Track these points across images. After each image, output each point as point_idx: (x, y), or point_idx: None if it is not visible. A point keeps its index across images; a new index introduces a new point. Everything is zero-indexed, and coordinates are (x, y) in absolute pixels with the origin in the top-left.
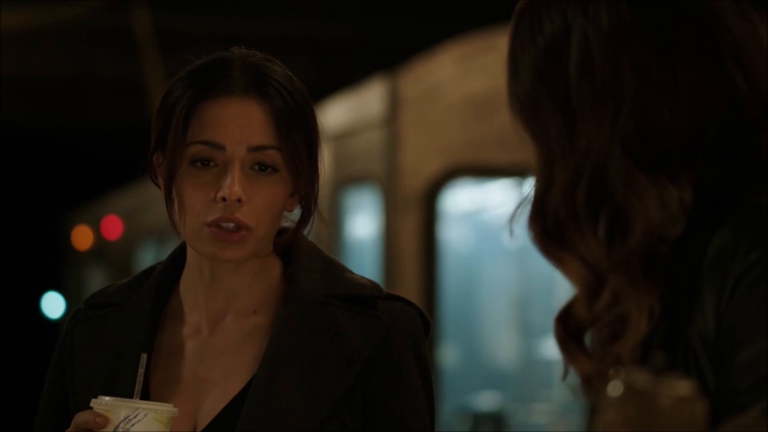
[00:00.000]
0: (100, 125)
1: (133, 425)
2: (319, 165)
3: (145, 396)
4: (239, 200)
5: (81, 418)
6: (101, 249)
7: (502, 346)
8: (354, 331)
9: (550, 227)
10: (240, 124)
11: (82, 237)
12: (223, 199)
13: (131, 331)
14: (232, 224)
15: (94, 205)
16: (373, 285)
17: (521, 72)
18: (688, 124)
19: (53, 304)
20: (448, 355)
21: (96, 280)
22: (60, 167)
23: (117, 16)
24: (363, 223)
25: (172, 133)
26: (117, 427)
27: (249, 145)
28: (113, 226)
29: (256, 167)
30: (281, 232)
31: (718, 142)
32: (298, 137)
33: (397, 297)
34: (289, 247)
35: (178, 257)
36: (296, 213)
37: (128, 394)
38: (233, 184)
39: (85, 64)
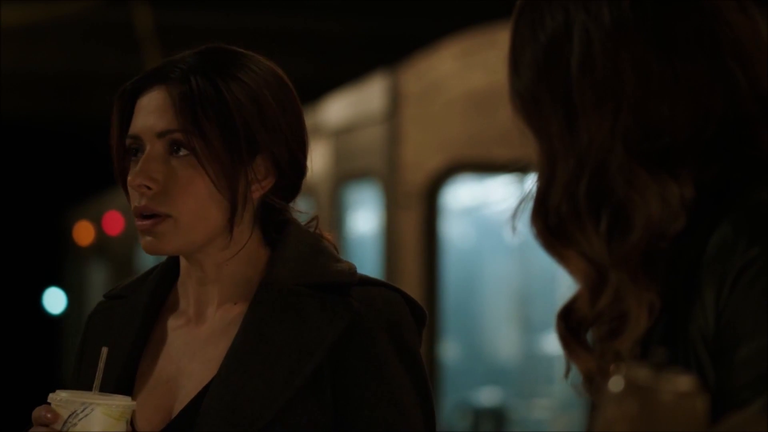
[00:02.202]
0: (102, 121)
1: (80, 420)
2: (248, 158)
3: (128, 390)
4: (148, 188)
5: (35, 413)
6: (103, 244)
7: (503, 341)
8: (320, 319)
9: (552, 223)
10: (151, 112)
11: (83, 232)
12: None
13: (128, 324)
14: (145, 212)
15: (95, 201)
16: (349, 271)
17: (522, 68)
18: (689, 120)
19: (55, 300)
20: (449, 350)
21: (97, 276)
22: (61, 163)
23: (117, 11)
24: (364, 219)
25: (111, 132)
26: (66, 421)
27: (156, 131)
28: (114, 222)
29: (173, 151)
30: (281, 222)
31: (718, 138)
32: (208, 120)
33: (377, 282)
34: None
35: None
36: (301, 205)
37: (110, 387)
38: (137, 173)
39: (86, 60)
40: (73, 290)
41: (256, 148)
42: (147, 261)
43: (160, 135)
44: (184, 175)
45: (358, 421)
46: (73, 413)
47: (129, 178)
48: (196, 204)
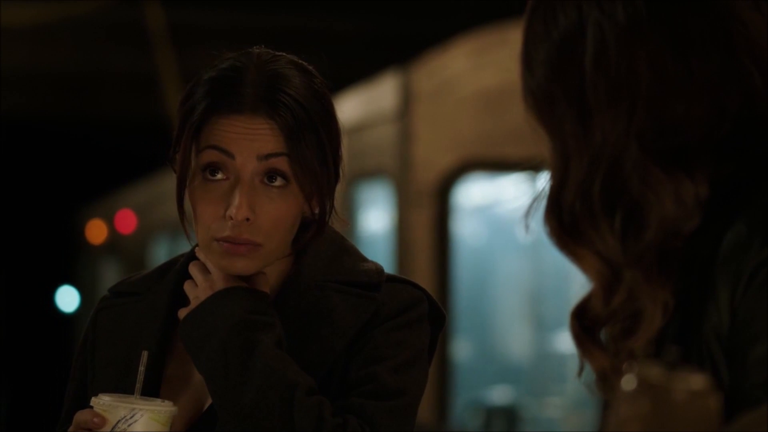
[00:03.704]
0: (114, 120)
1: (129, 425)
2: (331, 169)
3: (155, 392)
4: (246, 219)
5: (80, 417)
6: (115, 243)
7: (515, 340)
8: (344, 310)
9: (566, 222)
10: (249, 137)
11: (96, 231)
12: (231, 217)
13: (148, 324)
14: (239, 242)
15: (108, 200)
16: (377, 271)
17: (535, 66)
18: (703, 118)
19: (67, 298)
20: (461, 349)
21: (110, 274)
22: (74, 162)
23: (130, 11)
24: (376, 217)
25: (183, 141)
26: (114, 427)
27: (259, 153)
28: (127, 220)
29: (266, 180)
30: (303, 228)
31: (732, 136)
32: (308, 146)
33: (404, 280)
34: None
35: None
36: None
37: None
38: (241, 205)
39: (98, 59)
40: (86, 288)
41: (334, 166)
42: (159, 259)
43: (265, 157)
44: (278, 207)
45: (355, 372)
46: (121, 418)
47: (234, 210)
48: (284, 234)
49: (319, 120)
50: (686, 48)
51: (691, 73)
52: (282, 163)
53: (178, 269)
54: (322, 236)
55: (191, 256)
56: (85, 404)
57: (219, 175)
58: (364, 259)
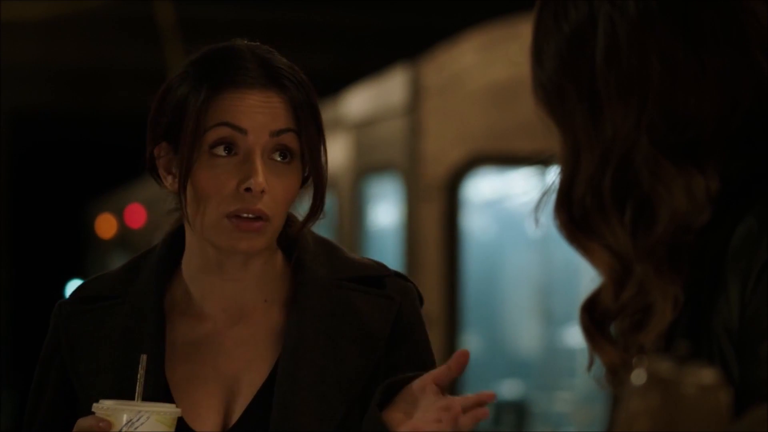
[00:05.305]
0: (124, 114)
1: (136, 428)
2: (325, 157)
3: (166, 393)
4: (262, 191)
5: (84, 423)
6: (125, 237)
7: (525, 334)
8: (370, 312)
9: (577, 216)
10: (262, 112)
11: (105, 225)
12: (247, 189)
13: (138, 326)
14: (251, 214)
15: (117, 194)
16: (378, 265)
17: (545, 59)
18: (715, 112)
19: None
20: (470, 343)
21: None
22: (83, 156)
23: (139, 6)
24: (385, 212)
25: (189, 123)
26: (120, 430)
27: (271, 129)
28: (136, 215)
29: (277, 156)
30: (288, 223)
31: (744, 130)
32: (312, 126)
33: (399, 274)
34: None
35: (173, 243)
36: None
37: (145, 394)
38: (259, 175)
39: (108, 54)
40: None
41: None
42: None
43: (277, 133)
44: (284, 182)
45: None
46: (128, 421)
47: (252, 181)
48: (285, 211)
49: (315, 103)
50: (698, 41)
51: (703, 67)
52: (291, 140)
53: (156, 266)
54: (310, 227)
55: (165, 250)
56: (60, 416)
57: (228, 152)
58: (351, 253)
